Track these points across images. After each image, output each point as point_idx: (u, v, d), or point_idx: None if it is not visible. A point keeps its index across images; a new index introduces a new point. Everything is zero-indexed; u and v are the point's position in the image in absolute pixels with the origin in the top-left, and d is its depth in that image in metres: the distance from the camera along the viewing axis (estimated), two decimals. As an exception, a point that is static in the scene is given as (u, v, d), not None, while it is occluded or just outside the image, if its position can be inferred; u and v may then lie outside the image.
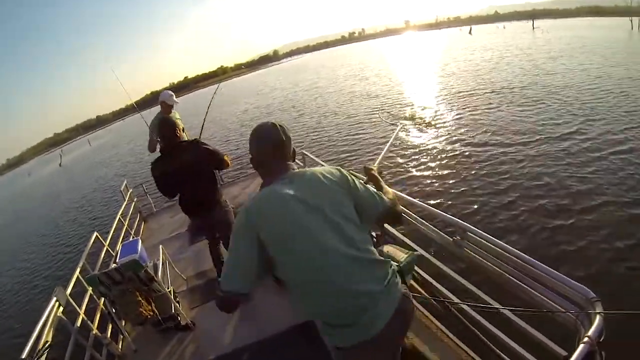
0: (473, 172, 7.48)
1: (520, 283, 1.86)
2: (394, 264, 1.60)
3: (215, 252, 3.59)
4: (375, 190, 1.68)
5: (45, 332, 2.44)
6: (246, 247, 1.38)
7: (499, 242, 1.98)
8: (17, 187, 50.00)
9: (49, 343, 2.38)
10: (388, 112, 14.30)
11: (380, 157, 2.77)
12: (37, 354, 2.24)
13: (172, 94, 4.90)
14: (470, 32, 76.57)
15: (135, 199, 6.68)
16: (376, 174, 2.10)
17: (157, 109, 5.04)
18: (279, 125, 1.60)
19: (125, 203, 6.12)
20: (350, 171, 1.68)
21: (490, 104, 12.46)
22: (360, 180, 1.68)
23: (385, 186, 1.93)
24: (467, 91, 15.22)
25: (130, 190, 6.67)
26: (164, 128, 3.16)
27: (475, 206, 6.25)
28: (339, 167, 1.64)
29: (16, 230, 18.15)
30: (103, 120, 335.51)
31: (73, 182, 26.39)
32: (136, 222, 6.21)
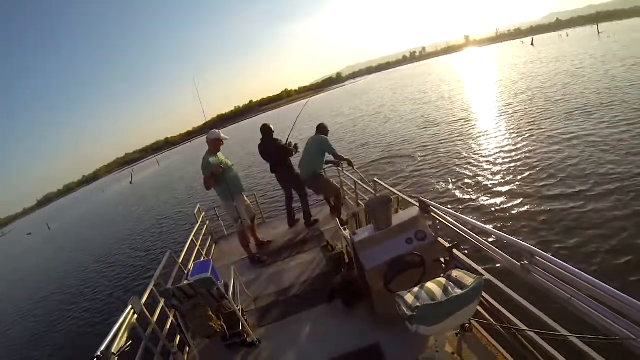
0: (546, 200, 6.96)
1: (592, 310, 1.82)
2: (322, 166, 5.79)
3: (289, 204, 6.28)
4: (334, 149, 5.52)
5: (120, 335, 2.66)
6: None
7: (569, 266, 1.92)
8: (93, 202, 53.67)
9: (122, 346, 2.59)
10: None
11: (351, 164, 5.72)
12: (110, 356, 2.43)
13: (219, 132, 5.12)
14: (532, 44, 74.04)
15: (207, 222, 6.85)
16: (345, 157, 5.64)
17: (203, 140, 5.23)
18: (321, 125, 5.79)
19: (198, 225, 6.30)
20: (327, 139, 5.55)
21: (569, 126, 10.96)
22: (329, 142, 5.49)
23: (340, 155, 5.60)
24: (542, 112, 13.72)
25: (203, 214, 6.85)
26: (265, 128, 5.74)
27: (545, 233, 5.90)
28: (323, 136, 5.56)
29: (94, 244, 19.67)
30: (171, 142, 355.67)
31: (143, 200, 27.97)
32: (207, 244, 6.50)
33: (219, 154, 5.01)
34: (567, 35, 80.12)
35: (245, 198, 5.41)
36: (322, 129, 5.73)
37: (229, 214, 5.26)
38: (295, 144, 5.78)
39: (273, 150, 5.66)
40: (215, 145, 4.96)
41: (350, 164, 5.63)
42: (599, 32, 61.88)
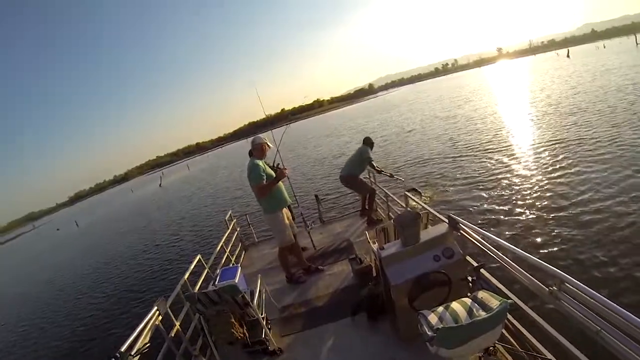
0: (581, 224, 6.55)
1: (622, 345, 1.74)
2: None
3: None
4: (371, 158, 6.49)
5: (143, 335, 2.73)
6: None
7: (600, 296, 1.85)
8: (122, 202, 54.74)
9: (145, 345, 2.65)
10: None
11: (384, 170, 6.72)
12: (134, 353, 2.50)
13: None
14: (568, 55, 72.12)
15: (238, 229, 6.84)
16: (380, 169, 6.67)
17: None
18: (367, 137, 6.73)
19: (228, 231, 6.32)
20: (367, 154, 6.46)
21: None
22: (368, 152, 6.48)
23: (374, 164, 6.57)
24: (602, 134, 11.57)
25: (234, 220, 6.85)
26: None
27: (577, 258, 5.58)
28: (365, 146, 6.54)
29: (119, 243, 20.07)
30: (202, 147, 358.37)
31: (172, 204, 28.21)
32: (237, 250, 6.54)
33: (261, 162, 4.61)
34: (604, 47, 77.64)
35: (288, 211, 4.96)
36: (366, 141, 6.67)
37: (273, 227, 4.79)
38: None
39: None
40: (262, 150, 4.66)
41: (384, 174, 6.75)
42: (637, 43, 59.90)
